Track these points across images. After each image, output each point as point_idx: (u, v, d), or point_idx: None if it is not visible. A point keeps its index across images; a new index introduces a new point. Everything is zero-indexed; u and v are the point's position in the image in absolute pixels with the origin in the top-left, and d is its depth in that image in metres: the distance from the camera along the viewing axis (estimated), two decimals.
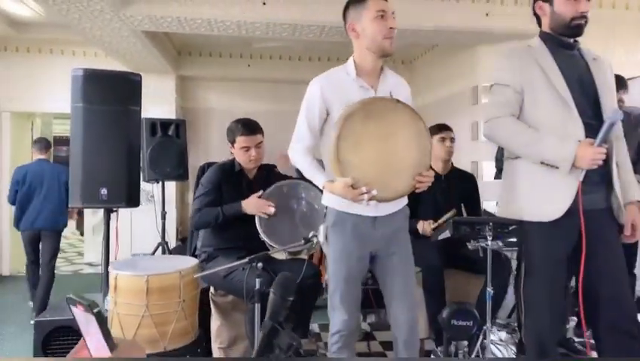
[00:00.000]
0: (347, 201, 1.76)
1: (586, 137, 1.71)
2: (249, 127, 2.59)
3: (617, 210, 1.80)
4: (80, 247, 7.20)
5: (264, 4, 3.88)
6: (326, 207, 1.89)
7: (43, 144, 4.33)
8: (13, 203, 4.14)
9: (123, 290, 1.96)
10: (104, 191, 2.86)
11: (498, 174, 4.09)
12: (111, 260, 3.04)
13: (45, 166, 4.21)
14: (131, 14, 3.75)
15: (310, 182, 2.73)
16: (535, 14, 1.93)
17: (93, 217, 6.16)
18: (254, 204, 2.43)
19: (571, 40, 1.85)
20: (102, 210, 3.00)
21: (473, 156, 4.68)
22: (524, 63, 1.81)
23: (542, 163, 1.74)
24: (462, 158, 4.35)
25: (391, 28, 1.76)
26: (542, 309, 1.79)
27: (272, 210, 2.38)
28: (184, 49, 6.04)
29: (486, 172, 4.55)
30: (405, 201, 1.91)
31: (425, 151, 1.72)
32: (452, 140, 2.98)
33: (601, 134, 1.65)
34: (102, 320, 0.80)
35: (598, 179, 1.77)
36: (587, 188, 1.72)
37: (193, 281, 2.09)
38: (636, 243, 3.20)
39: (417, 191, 1.75)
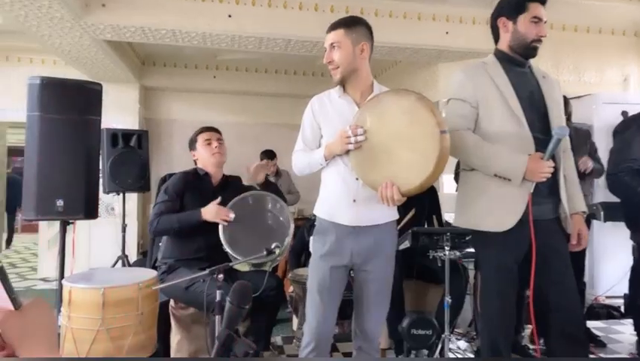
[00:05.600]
0: (331, 211, 1.86)
1: (536, 150, 1.79)
2: (209, 127, 2.73)
3: (565, 220, 1.89)
4: (33, 261, 6.88)
5: (230, 16, 3.89)
6: (314, 216, 1.94)
7: None
8: None
9: (78, 304, 1.90)
10: (60, 202, 2.78)
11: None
12: (67, 275, 2.93)
13: None
14: (92, 23, 3.68)
15: (278, 194, 2.75)
16: (494, 29, 1.98)
17: (49, 231, 5.92)
18: (213, 211, 2.41)
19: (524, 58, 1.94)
20: (57, 224, 2.90)
21: None
22: (479, 80, 1.89)
23: (495, 175, 1.81)
24: None
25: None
26: (495, 315, 1.86)
27: (231, 216, 2.37)
28: (148, 59, 5.96)
29: (446, 185, 4.68)
30: (393, 216, 1.90)
31: (420, 181, 1.65)
32: None
33: (549, 149, 1.74)
34: (3, 276, 0.75)
35: (547, 191, 1.85)
36: (537, 199, 1.80)
37: (152, 294, 2.05)
38: (584, 253, 3.38)
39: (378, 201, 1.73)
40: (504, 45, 1.94)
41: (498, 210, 1.82)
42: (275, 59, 5.84)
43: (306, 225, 4.08)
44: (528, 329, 3.15)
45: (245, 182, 2.86)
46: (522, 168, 1.74)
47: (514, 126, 1.82)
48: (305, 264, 3.91)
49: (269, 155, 5.08)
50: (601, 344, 3.23)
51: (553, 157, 1.80)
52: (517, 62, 1.93)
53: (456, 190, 4.00)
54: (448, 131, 1.66)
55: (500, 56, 1.94)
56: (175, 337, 2.54)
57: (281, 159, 5.15)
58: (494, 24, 1.97)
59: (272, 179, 5.03)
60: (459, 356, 2.71)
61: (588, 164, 3.06)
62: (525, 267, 1.85)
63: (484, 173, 1.85)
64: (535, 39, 1.87)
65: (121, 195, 4.30)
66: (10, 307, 0.75)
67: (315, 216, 1.94)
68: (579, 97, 4.36)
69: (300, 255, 3.95)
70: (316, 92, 1.98)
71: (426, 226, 2.92)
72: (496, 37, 1.98)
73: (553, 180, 1.84)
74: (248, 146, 5.60)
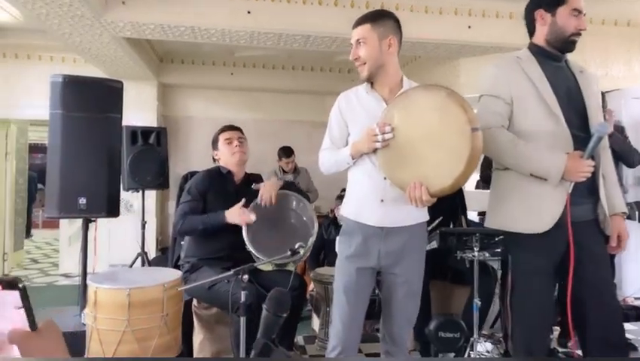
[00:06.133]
0: (357, 211, 1.82)
1: (574, 149, 1.72)
2: (230, 125, 2.74)
3: (603, 221, 1.80)
4: (55, 257, 6.97)
5: (249, 12, 3.86)
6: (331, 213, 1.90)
7: None
8: None
9: (104, 305, 1.88)
10: (82, 200, 2.78)
11: (479, 184, 4.13)
12: (89, 272, 2.94)
13: None
14: (112, 20, 3.68)
15: (300, 193, 2.71)
16: (530, 22, 1.89)
17: (69, 227, 5.98)
18: (235, 213, 2.39)
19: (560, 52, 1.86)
20: (78, 220, 2.91)
21: None
22: (514, 75, 1.81)
23: (531, 175, 1.74)
24: None
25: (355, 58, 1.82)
26: (531, 321, 1.79)
27: (252, 218, 2.34)
28: (166, 56, 5.96)
29: (468, 182, 4.58)
30: (423, 217, 1.84)
31: (451, 180, 1.58)
32: None
33: (589, 148, 1.66)
34: (25, 297, 0.74)
35: (586, 191, 1.77)
36: (575, 200, 1.72)
37: (177, 295, 2.03)
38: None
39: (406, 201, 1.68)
40: (540, 39, 1.85)
41: (533, 211, 1.74)
42: (293, 55, 5.79)
43: (324, 222, 4.03)
44: (556, 332, 3.07)
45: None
46: (561, 167, 1.67)
47: (551, 124, 1.74)
48: (324, 262, 3.86)
49: (286, 152, 5.03)
50: (632, 347, 3.14)
51: (591, 156, 1.72)
52: (553, 56, 1.84)
53: (475, 187, 3.88)
54: (480, 128, 1.60)
55: (535, 50, 1.85)
56: (198, 337, 2.52)
57: (300, 156, 5.11)
58: (530, 17, 1.88)
59: (290, 176, 5.00)
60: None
61: (613, 115, 2.93)
62: (559, 269, 1.78)
63: (519, 172, 1.78)
64: (574, 32, 1.79)
65: (140, 192, 4.31)
66: (27, 328, 0.74)
67: (331, 212, 1.90)
68: (607, 92, 4.22)
69: (318, 253, 3.91)
70: (335, 88, 1.94)
71: (452, 227, 2.85)
72: (531, 31, 1.89)
73: (592, 179, 1.76)
74: (266, 143, 5.57)
